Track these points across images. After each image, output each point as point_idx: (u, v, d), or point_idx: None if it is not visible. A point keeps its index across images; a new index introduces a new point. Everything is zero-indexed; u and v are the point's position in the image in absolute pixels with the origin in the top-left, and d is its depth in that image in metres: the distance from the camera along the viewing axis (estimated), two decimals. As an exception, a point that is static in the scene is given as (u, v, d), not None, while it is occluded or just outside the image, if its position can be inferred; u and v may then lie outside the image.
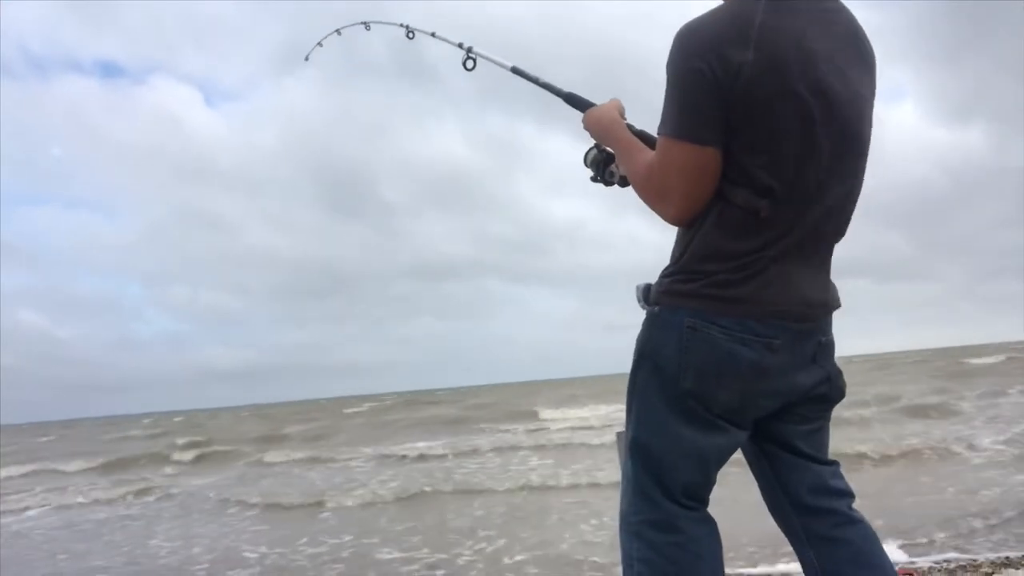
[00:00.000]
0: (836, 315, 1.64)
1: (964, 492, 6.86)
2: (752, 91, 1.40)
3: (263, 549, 6.88)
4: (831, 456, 1.72)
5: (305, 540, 7.10)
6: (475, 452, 13.50)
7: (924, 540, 5.06)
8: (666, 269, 1.59)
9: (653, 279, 1.62)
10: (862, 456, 8.44)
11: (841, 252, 1.63)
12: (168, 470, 15.94)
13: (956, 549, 4.75)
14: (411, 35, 2.47)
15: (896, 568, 1.67)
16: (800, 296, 1.51)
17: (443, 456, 13.39)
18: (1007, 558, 4.25)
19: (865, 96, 1.55)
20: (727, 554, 1.61)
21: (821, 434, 1.69)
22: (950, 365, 32.99)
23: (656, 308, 1.56)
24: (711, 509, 1.63)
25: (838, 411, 1.75)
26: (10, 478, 16.45)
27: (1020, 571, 3.93)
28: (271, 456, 16.00)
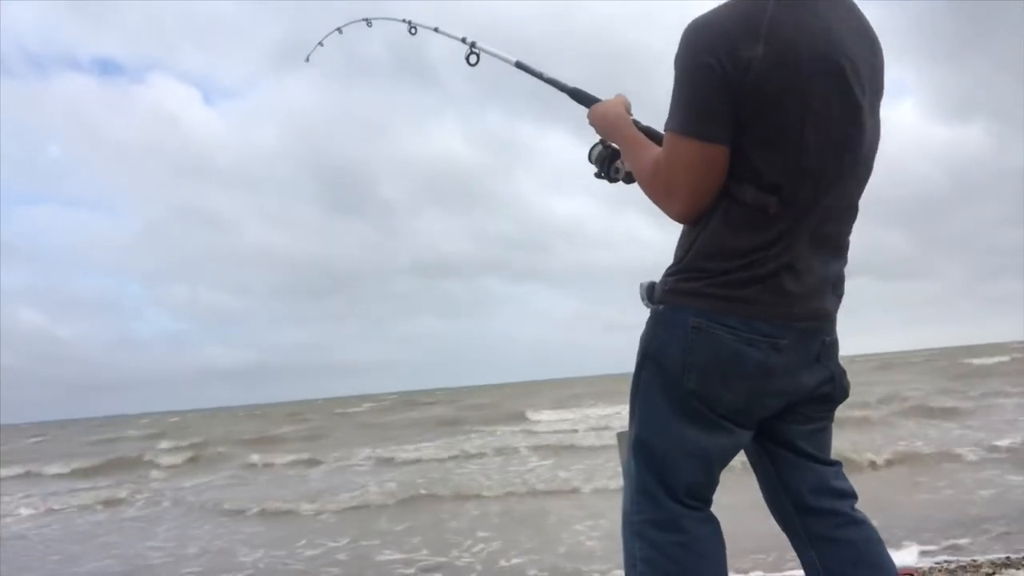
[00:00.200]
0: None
1: (965, 492, 6.86)
2: (762, 86, 1.39)
3: (258, 553, 6.82)
4: (834, 456, 1.71)
5: (301, 543, 7.03)
6: (473, 455, 13.36)
7: (924, 540, 5.07)
8: (670, 267, 1.58)
9: (653, 277, 1.60)
10: (865, 458, 8.41)
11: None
12: (159, 472, 15.64)
13: (956, 550, 4.75)
14: (413, 31, 2.45)
15: (898, 569, 1.66)
16: (807, 295, 1.50)
17: (438, 459, 13.20)
18: (1007, 558, 4.25)
19: (875, 94, 1.54)
20: (731, 558, 1.60)
21: (824, 434, 1.68)
22: (954, 366, 32.87)
23: (660, 307, 1.55)
24: (713, 510, 1.62)
25: (845, 412, 1.74)
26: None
27: (1021, 571, 3.93)
28: (263, 458, 15.72)
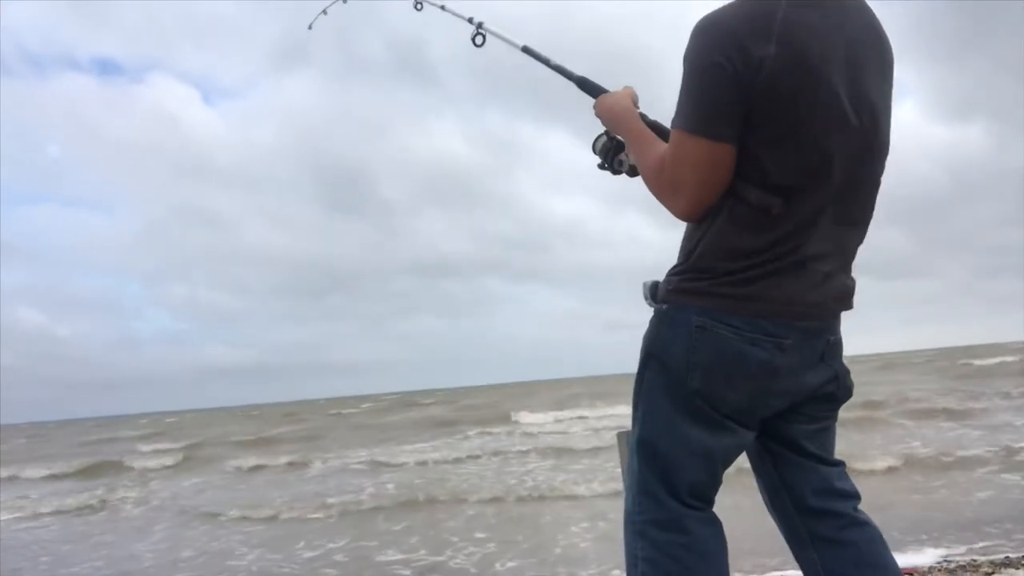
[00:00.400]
0: None
1: (965, 492, 6.86)
2: (774, 86, 1.38)
3: (249, 557, 6.79)
4: (836, 457, 1.69)
5: (284, 549, 6.94)
6: (470, 456, 13.31)
7: (924, 540, 5.07)
8: (674, 267, 1.57)
9: (654, 277, 1.59)
10: (866, 458, 8.41)
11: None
12: (145, 475, 15.42)
13: (956, 549, 4.75)
14: (419, 6, 2.39)
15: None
16: (812, 295, 1.49)
17: (435, 461, 13.09)
18: (1007, 558, 4.25)
19: (885, 94, 1.53)
20: (732, 558, 1.59)
21: (827, 434, 1.67)
22: (956, 366, 32.86)
23: (664, 306, 1.54)
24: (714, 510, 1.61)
25: (846, 412, 1.73)
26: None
27: (1020, 571, 3.93)
28: (252, 461, 15.51)
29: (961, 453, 8.94)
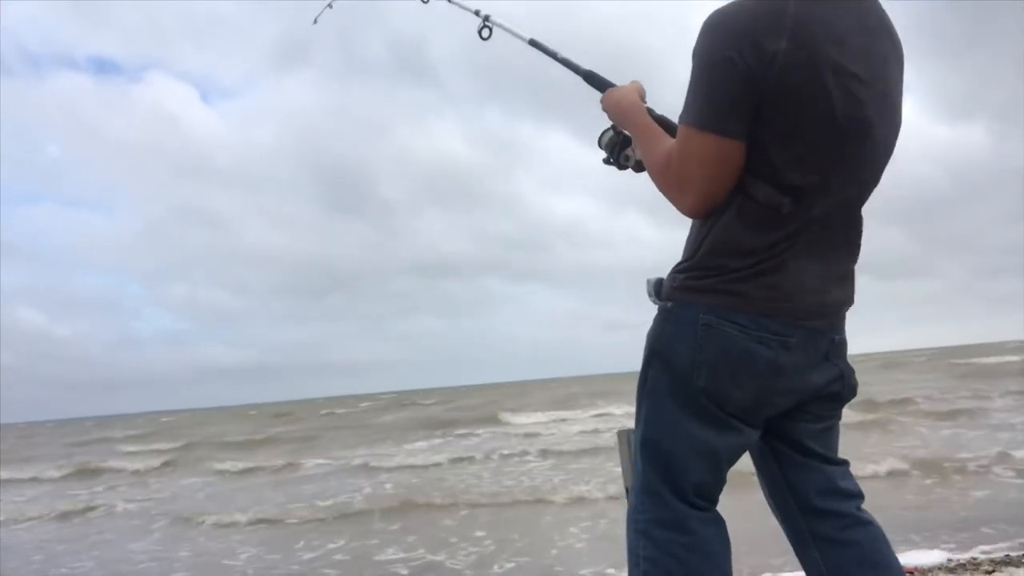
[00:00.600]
0: None
1: (965, 491, 6.86)
2: (785, 81, 1.37)
3: (242, 558, 6.75)
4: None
5: (271, 555, 6.85)
6: (468, 458, 13.21)
7: (924, 539, 5.07)
8: (680, 264, 1.56)
9: (653, 276, 1.59)
10: (867, 459, 8.41)
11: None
12: (134, 477, 15.23)
13: (956, 548, 4.75)
14: None
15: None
16: (817, 293, 1.49)
17: (433, 463, 12.87)
18: (1007, 556, 4.26)
19: (896, 92, 1.52)
20: (734, 561, 1.58)
21: (832, 433, 1.67)
22: (957, 366, 32.71)
23: (669, 304, 1.53)
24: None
25: (847, 414, 1.73)
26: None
27: (1020, 570, 3.93)
28: (242, 463, 15.21)
29: (961, 453, 8.94)
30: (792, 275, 1.45)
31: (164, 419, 57.50)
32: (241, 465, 14.91)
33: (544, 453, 12.61)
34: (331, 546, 6.86)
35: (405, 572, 5.77)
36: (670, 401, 1.52)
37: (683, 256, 1.56)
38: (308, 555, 6.63)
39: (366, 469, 12.67)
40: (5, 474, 16.94)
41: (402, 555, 6.28)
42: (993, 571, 3.92)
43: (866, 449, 9.36)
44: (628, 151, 1.73)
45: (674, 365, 1.51)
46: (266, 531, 7.95)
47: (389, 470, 12.30)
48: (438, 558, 6.07)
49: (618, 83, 1.78)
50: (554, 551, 6.05)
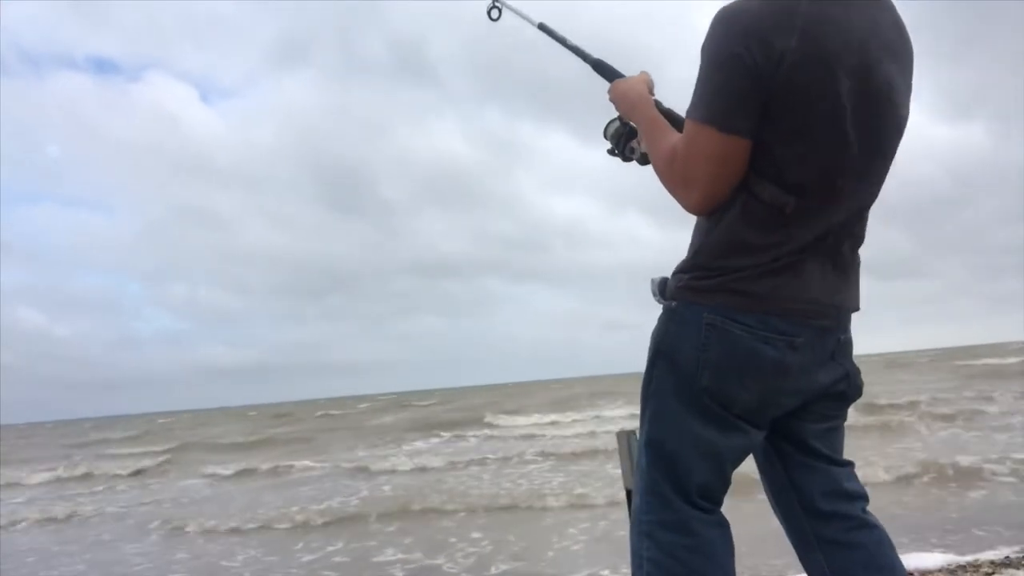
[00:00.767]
0: None
1: (965, 491, 6.85)
2: (793, 80, 1.35)
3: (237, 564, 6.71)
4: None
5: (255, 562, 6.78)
6: (465, 458, 13.14)
7: (924, 540, 5.07)
8: (684, 263, 1.55)
9: (655, 276, 1.57)
10: (867, 460, 8.41)
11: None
12: (126, 480, 15.00)
13: (956, 549, 4.74)
14: None
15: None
16: (823, 293, 1.48)
17: (425, 463, 12.78)
18: (1007, 558, 4.25)
19: (905, 93, 1.50)
20: (738, 563, 1.57)
21: (837, 433, 1.66)
22: (957, 366, 32.70)
23: (673, 303, 1.52)
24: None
25: (860, 416, 1.71)
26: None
27: (1020, 571, 3.93)
28: (234, 466, 14.92)
29: (961, 454, 8.93)
30: (798, 275, 1.44)
31: (161, 420, 57.56)
32: (232, 468, 14.71)
33: (543, 455, 12.56)
34: (329, 548, 6.84)
35: (402, 575, 5.76)
36: (675, 401, 1.51)
37: (687, 255, 1.55)
38: (307, 557, 6.62)
39: (362, 471, 12.56)
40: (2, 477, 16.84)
41: (400, 556, 6.27)
42: (993, 573, 3.92)
43: (865, 451, 9.35)
44: (633, 143, 1.71)
45: (679, 365, 1.50)
46: (260, 535, 7.84)
47: (385, 472, 12.21)
48: (436, 561, 6.05)
49: (626, 74, 1.76)
50: (551, 553, 6.04)
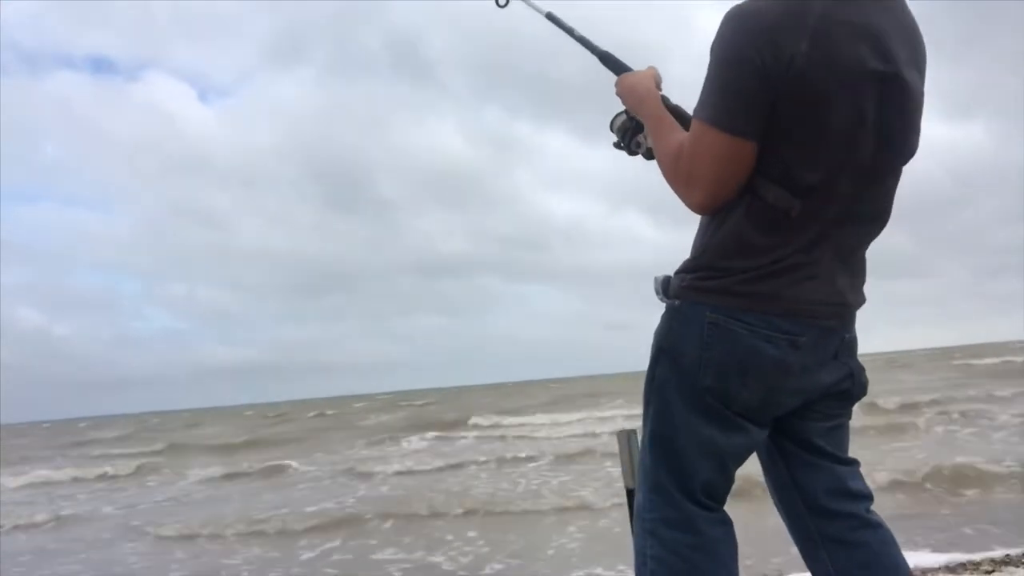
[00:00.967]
0: None
1: (965, 492, 6.86)
2: (803, 83, 1.34)
3: None
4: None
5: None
6: (463, 459, 13.06)
7: (924, 539, 5.07)
8: (688, 263, 1.54)
9: (660, 274, 1.57)
10: (866, 462, 8.33)
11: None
12: (111, 483, 14.75)
13: (957, 547, 4.75)
14: None
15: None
16: (826, 293, 1.47)
17: (419, 466, 12.55)
18: (1007, 556, 4.26)
19: (918, 96, 1.49)
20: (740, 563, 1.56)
21: (842, 431, 1.65)
22: (958, 366, 32.75)
23: (676, 302, 1.51)
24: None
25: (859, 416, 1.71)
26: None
27: (1020, 569, 3.94)
28: (218, 469, 14.64)
29: (961, 453, 8.95)
30: (801, 276, 1.44)
31: (155, 420, 57.42)
32: (216, 470, 14.43)
33: (542, 454, 12.54)
34: (327, 546, 6.84)
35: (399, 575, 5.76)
36: (677, 399, 1.51)
37: (691, 255, 1.55)
38: (306, 554, 6.61)
39: (350, 472, 12.45)
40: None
41: (400, 556, 6.26)
42: (994, 571, 3.93)
43: (865, 450, 9.34)
44: (640, 137, 1.69)
45: (681, 363, 1.49)
46: (253, 538, 7.70)
47: (377, 473, 12.09)
48: (434, 559, 6.05)
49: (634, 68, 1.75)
50: (551, 551, 6.04)
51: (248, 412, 53.64)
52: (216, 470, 14.54)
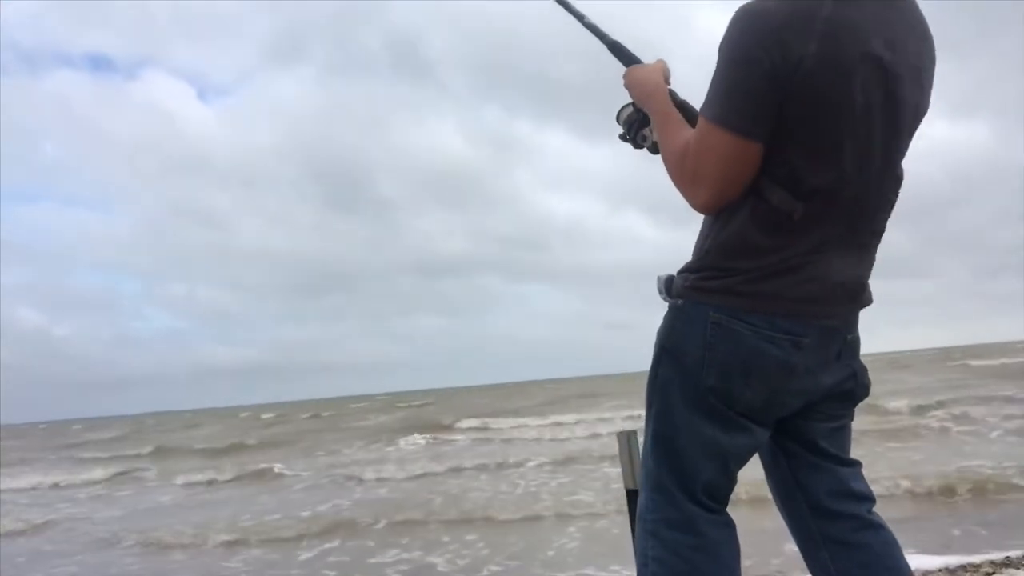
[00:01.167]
0: None
1: (964, 493, 6.86)
2: (811, 85, 1.33)
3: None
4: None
5: None
6: (462, 459, 13.03)
7: (924, 540, 5.04)
8: (691, 263, 1.53)
9: (654, 275, 1.56)
10: (872, 462, 8.32)
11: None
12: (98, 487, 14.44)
13: (956, 549, 4.74)
14: None
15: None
16: (830, 294, 1.46)
17: (416, 468, 12.27)
18: (1007, 558, 4.26)
19: (925, 98, 1.49)
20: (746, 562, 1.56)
21: (844, 432, 1.64)
22: (958, 367, 32.75)
23: (679, 301, 1.51)
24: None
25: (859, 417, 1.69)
26: None
27: (1021, 571, 3.94)
28: (199, 475, 14.15)
29: (960, 453, 8.96)
30: (805, 277, 1.43)
31: (152, 421, 57.37)
32: (203, 476, 14.00)
33: (541, 455, 12.50)
34: (325, 546, 6.82)
35: None
36: (680, 399, 1.50)
37: (694, 255, 1.54)
38: (305, 554, 6.59)
39: (348, 474, 12.27)
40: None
41: (397, 558, 6.25)
42: (994, 573, 3.93)
43: (865, 451, 9.33)
44: (646, 131, 1.68)
45: (684, 363, 1.49)
46: (245, 544, 7.51)
47: (377, 475, 11.92)
48: (433, 560, 6.04)
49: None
50: (551, 552, 6.03)
51: (244, 413, 53.32)
52: (200, 475, 14.12)
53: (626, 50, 1.75)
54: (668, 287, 1.54)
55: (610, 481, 8.74)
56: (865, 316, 1.59)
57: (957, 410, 14.16)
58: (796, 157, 1.38)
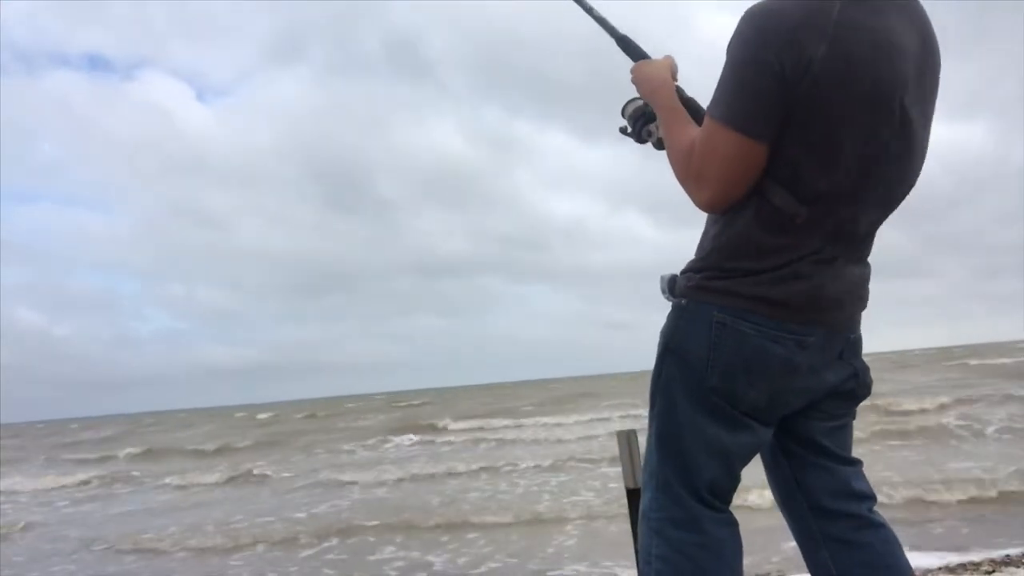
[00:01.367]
0: None
1: (964, 493, 6.86)
2: (819, 87, 1.33)
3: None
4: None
5: None
6: (460, 459, 12.95)
7: (924, 539, 5.06)
8: (694, 263, 1.53)
9: (655, 275, 1.56)
10: (871, 462, 8.32)
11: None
12: (75, 491, 14.14)
13: (956, 548, 4.74)
14: None
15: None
16: (834, 295, 1.46)
17: (414, 468, 12.24)
18: (1007, 556, 4.26)
19: (931, 101, 1.48)
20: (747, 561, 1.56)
21: (845, 431, 1.64)
22: (958, 366, 32.70)
23: (683, 301, 1.51)
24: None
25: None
26: None
27: (1020, 569, 3.94)
28: (184, 478, 14.00)
29: (960, 453, 8.96)
30: (809, 277, 1.43)
31: (150, 420, 57.28)
32: (192, 478, 13.94)
33: (541, 455, 12.53)
34: (324, 544, 6.83)
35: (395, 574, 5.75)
36: (683, 398, 1.50)
37: (697, 255, 1.54)
38: (305, 552, 6.60)
39: (346, 476, 12.14)
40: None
41: (396, 556, 6.25)
42: (993, 571, 3.93)
43: (865, 450, 9.35)
44: (651, 127, 1.67)
45: (688, 362, 1.48)
46: (240, 546, 7.43)
47: (375, 476, 11.87)
48: (432, 559, 6.04)
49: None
50: (551, 550, 6.03)
51: (239, 413, 53.06)
52: (188, 477, 14.04)
53: (635, 45, 1.74)
54: (671, 287, 1.53)
55: (611, 480, 8.75)
56: (865, 316, 1.58)
57: (957, 409, 14.19)
58: (800, 159, 1.38)
